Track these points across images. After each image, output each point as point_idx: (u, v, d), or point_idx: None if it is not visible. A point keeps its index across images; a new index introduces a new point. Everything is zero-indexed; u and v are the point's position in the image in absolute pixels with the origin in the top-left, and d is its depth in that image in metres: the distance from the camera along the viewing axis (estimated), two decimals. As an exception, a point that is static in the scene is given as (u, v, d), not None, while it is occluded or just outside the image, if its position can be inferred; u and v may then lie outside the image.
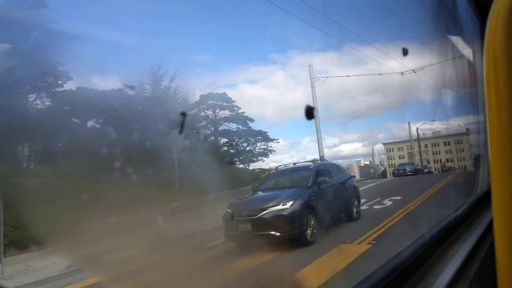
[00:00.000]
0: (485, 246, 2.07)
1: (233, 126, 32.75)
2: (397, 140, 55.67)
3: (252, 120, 32.97)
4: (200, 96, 29.42)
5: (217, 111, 31.41)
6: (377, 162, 55.92)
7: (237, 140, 32.20)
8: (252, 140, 33.20)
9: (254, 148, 33.41)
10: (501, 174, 1.25)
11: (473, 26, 4.22)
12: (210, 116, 30.93)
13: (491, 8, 1.33)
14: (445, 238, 2.11)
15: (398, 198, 12.71)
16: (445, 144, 65.41)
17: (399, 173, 31.60)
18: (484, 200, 2.87)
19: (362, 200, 11.51)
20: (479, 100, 4.04)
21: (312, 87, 19.35)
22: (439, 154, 72.57)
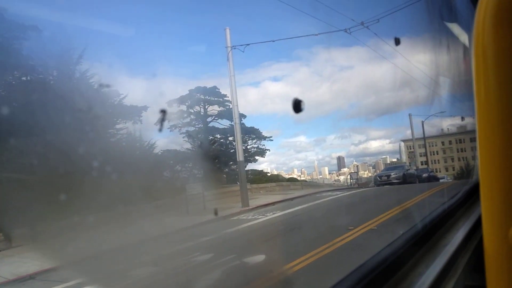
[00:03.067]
0: (477, 235, 2.11)
1: (226, 123, 31.69)
2: (419, 137, 47.48)
3: (244, 116, 31.83)
4: (189, 90, 28.77)
5: (207, 106, 30.48)
6: (404, 159, 50.77)
7: (230, 138, 31.14)
8: (245, 137, 32.26)
9: (246, 147, 32.51)
10: (489, 167, 1.27)
11: (468, 13, 4.23)
12: (201, 112, 30.13)
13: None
14: (437, 227, 2.14)
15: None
16: (458, 142, 61.68)
17: (381, 180, 23.10)
18: (477, 189, 2.91)
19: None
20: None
21: (228, 59, 17.58)
22: (443, 153, 69.40)
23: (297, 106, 1.88)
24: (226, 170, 27.52)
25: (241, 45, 18.13)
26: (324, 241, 7.04)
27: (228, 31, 17.83)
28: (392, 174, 23.06)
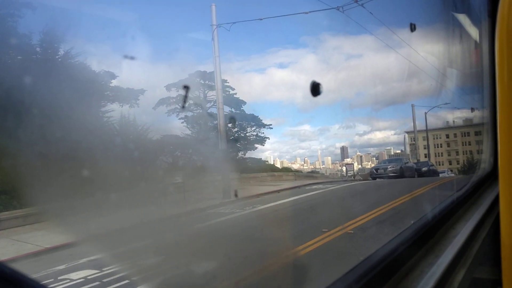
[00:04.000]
0: (486, 226, 2.09)
1: (225, 109, 31.26)
2: (422, 129, 46.40)
3: (244, 103, 31.40)
4: (189, 74, 28.37)
5: (206, 91, 30.00)
6: (408, 151, 49.13)
7: (229, 124, 30.77)
8: (244, 125, 31.68)
9: (245, 134, 32.17)
10: (510, 153, 1.24)
11: (481, 4, 4.15)
12: (201, 97, 29.76)
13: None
14: (447, 217, 2.11)
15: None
16: (463, 135, 60.78)
17: (377, 173, 22.61)
18: (487, 181, 2.88)
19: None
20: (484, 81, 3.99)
21: (213, 38, 16.60)
22: (447, 146, 68.72)
23: (316, 88, 1.84)
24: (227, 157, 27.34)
25: (227, 23, 17.26)
26: (290, 246, 6.10)
27: (214, 7, 16.78)
28: (389, 167, 22.43)
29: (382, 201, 9.92)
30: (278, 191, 17.39)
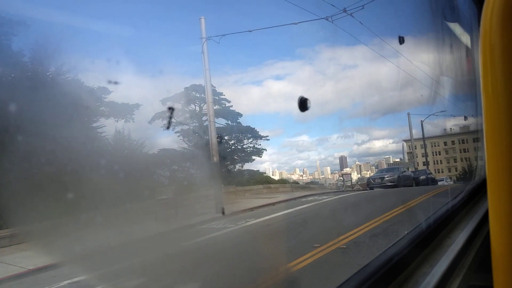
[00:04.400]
0: (481, 235, 2.10)
1: (222, 122, 31.11)
2: (419, 137, 45.35)
3: (240, 115, 31.40)
4: (185, 88, 28.35)
5: (202, 105, 29.74)
6: (407, 160, 50.38)
7: (226, 137, 30.61)
8: (240, 137, 31.50)
9: (242, 146, 32.02)
10: (497, 164, 1.26)
11: (471, 13, 4.21)
12: (196, 111, 29.68)
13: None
14: (442, 226, 2.13)
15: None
16: (460, 142, 60.70)
17: (374, 183, 22.29)
18: (482, 188, 2.90)
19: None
20: (477, 90, 4.04)
21: (203, 53, 16.35)
22: (446, 153, 68.79)
23: (303, 104, 1.87)
24: (223, 170, 27.21)
25: (216, 36, 17.24)
26: (279, 263, 6.03)
27: (203, 20, 16.77)
28: (386, 176, 22.11)
29: (376, 213, 9.69)
30: (273, 203, 17.04)
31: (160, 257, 7.05)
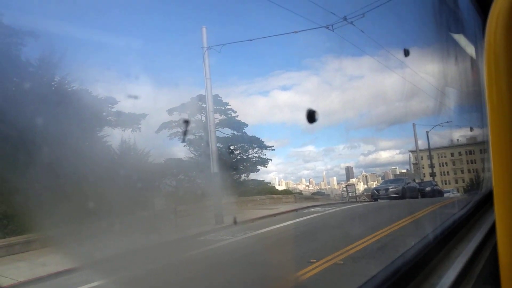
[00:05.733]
0: (489, 246, 2.08)
1: (227, 132, 31.19)
2: (426, 148, 44.54)
3: (246, 125, 31.54)
4: (191, 98, 28.47)
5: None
6: (413, 170, 47.61)
7: (231, 147, 30.55)
8: (246, 147, 31.56)
9: (247, 156, 31.97)
10: (503, 175, 1.26)
11: (475, 24, 4.23)
12: (203, 121, 29.80)
13: (491, 7, 1.35)
14: (449, 237, 2.11)
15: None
16: (467, 153, 60.00)
17: (379, 194, 21.90)
18: (489, 199, 2.88)
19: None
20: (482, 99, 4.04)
21: (203, 60, 16.23)
22: (453, 164, 68.06)
23: (311, 116, 1.88)
24: (228, 180, 27.15)
25: (217, 45, 17.18)
26: (272, 281, 5.78)
27: (204, 30, 16.69)
28: (390, 188, 21.70)
29: (378, 226, 9.40)
30: (274, 215, 16.70)
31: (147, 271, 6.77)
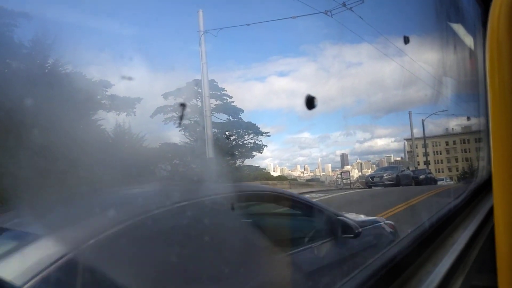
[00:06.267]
0: (484, 234, 2.10)
1: (223, 117, 30.97)
2: (421, 136, 44.25)
3: (242, 111, 31.42)
4: (187, 83, 28.25)
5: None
6: (407, 158, 47.48)
7: (227, 133, 30.45)
8: (241, 133, 31.30)
9: (243, 142, 31.72)
10: (504, 163, 1.26)
11: (475, 14, 4.20)
12: (198, 106, 29.63)
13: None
14: (445, 226, 2.12)
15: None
16: (462, 142, 60.14)
17: (373, 182, 22.06)
18: (484, 188, 2.89)
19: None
20: (480, 90, 4.04)
21: (200, 44, 16.04)
22: (447, 153, 68.36)
23: (310, 102, 1.86)
24: (223, 165, 27.04)
25: (214, 29, 17.14)
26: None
27: (201, 13, 16.47)
28: (384, 175, 21.82)
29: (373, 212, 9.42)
30: None
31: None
